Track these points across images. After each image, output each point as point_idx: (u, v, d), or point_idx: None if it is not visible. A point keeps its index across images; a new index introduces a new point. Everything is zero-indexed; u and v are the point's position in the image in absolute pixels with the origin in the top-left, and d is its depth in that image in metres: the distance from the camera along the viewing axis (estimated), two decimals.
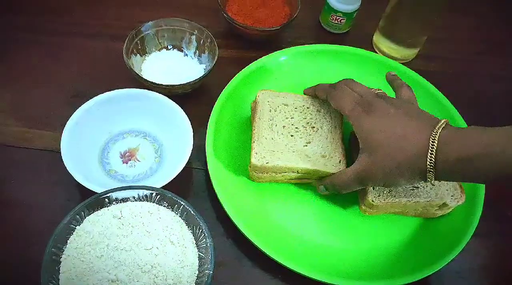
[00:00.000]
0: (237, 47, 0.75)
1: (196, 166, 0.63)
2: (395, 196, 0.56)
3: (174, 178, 0.55)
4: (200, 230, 0.48)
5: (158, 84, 0.63)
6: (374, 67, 0.70)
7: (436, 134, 0.45)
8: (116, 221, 0.48)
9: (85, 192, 0.52)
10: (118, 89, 0.61)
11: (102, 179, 0.59)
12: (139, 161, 0.61)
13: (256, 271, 0.56)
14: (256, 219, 0.57)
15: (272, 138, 0.59)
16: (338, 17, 0.76)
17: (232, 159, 0.62)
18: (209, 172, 0.58)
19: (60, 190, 0.59)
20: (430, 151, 0.45)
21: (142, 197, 0.49)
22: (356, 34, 0.79)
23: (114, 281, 0.45)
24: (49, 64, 0.70)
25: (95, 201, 0.48)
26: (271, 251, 0.54)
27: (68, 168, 0.54)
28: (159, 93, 0.62)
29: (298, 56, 0.70)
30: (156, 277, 0.45)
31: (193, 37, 0.69)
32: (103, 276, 0.45)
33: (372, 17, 0.77)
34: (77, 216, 0.47)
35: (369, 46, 0.77)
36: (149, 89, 0.62)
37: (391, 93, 0.58)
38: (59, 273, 0.45)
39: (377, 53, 0.75)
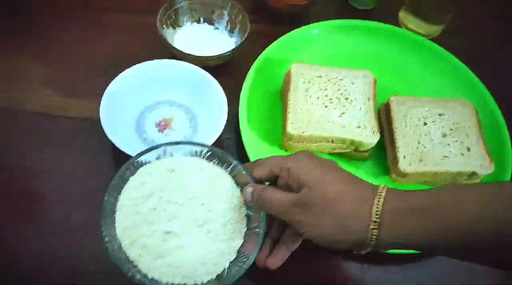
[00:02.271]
0: (267, 22, 0.75)
1: (227, 136, 0.64)
2: (426, 165, 0.57)
3: None
4: None
5: (192, 55, 0.64)
6: (404, 43, 0.72)
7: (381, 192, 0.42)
8: (169, 175, 0.48)
9: (121, 160, 0.52)
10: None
11: (139, 147, 0.60)
12: (174, 130, 0.63)
13: None
14: None
15: (307, 109, 0.60)
16: None
17: (265, 129, 0.63)
18: (244, 142, 0.60)
19: (96, 158, 0.60)
20: (377, 197, 0.42)
21: (193, 153, 0.50)
22: (382, 10, 0.80)
23: (168, 233, 0.46)
24: (83, 37, 0.71)
25: (150, 151, 0.49)
26: None
27: (107, 134, 0.55)
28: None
29: (330, 30, 0.71)
30: (209, 232, 0.47)
31: (225, 11, 0.70)
32: (158, 228, 0.46)
33: None
34: (132, 167, 0.48)
35: (395, 22, 0.78)
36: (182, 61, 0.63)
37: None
38: (115, 223, 0.46)
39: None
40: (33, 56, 0.68)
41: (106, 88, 0.59)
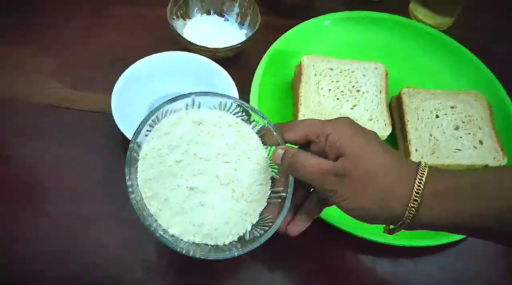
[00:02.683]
0: (277, 14, 0.75)
1: None
2: (438, 157, 0.57)
3: None
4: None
5: (202, 47, 0.63)
6: (415, 35, 0.72)
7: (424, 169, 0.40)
8: (196, 127, 0.46)
9: None
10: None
11: None
12: None
13: None
14: None
15: (319, 101, 0.60)
16: None
17: (275, 121, 0.62)
18: None
19: (103, 152, 0.59)
20: (419, 175, 0.40)
21: (222, 107, 0.47)
22: (392, 1, 0.79)
23: (192, 189, 0.44)
24: (91, 30, 0.71)
25: (179, 100, 0.45)
26: None
27: (119, 126, 0.55)
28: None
29: (341, 21, 0.71)
30: (234, 192, 0.45)
31: (236, 3, 0.69)
32: (181, 182, 0.44)
33: None
34: (160, 115, 0.45)
35: (406, 14, 0.77)
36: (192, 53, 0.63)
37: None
38: (137, 173, 0.44)
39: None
40: (39, 48, 0.68)
41: (114, 81, 0.59)
